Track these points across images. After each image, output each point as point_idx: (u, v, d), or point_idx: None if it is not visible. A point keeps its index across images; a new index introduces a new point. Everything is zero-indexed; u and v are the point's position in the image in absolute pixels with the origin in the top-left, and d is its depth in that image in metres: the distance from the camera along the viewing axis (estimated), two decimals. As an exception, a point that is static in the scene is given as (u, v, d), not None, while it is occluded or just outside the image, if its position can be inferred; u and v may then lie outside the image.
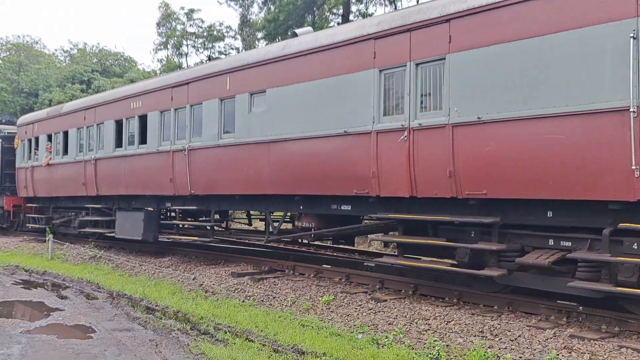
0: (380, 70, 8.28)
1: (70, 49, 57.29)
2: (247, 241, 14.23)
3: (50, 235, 14.78)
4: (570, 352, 5.74)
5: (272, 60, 10.00)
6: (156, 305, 8.48)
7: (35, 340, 6.75)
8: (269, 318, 7.58)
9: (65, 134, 16.33)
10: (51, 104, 41.93)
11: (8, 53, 53.67)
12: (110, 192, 14.37)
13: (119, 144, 14.04)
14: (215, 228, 12.29)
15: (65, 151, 16.29)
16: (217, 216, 12.53)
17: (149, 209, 13.40)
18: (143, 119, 13.20)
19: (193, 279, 10.50)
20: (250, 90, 10.33)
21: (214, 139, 11.02)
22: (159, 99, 12.70)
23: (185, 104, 11.88)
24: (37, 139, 17.90)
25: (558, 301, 7.07)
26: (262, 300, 8.81)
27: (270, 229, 10.63)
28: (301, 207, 9.86)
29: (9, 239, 18.11)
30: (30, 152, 18.26)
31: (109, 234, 14.69)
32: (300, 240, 13.26)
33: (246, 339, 6.63)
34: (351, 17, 28.81)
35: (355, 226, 9.91)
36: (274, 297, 8.88)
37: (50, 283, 11.07)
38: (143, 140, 13.23)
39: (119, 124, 14.11)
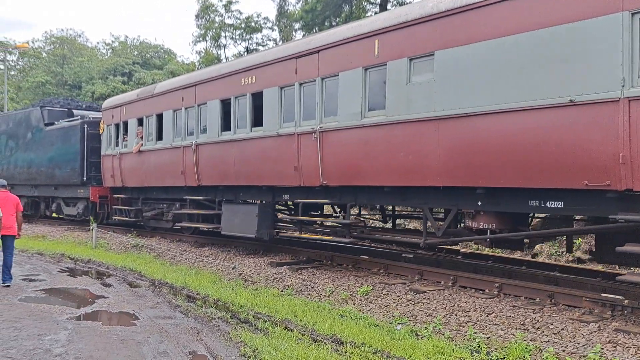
0: (634, 13, 6.10)
1: (112, 41, 58.50)
2: (392, 244, 12.49)
3: (95, 224, 15.15)
4: (615, 347, 5.61)
5: (446, 12, 7.84)
6: (197, 294, 8.63)
7: (81, 326, 6.95)
8: (308, 308, 7.63)
9: (159, 117, 14.67)
10: (93, 96, 42.90)
11: (52, 46, 55.08)
12: (214, 182, 12.61)
13: (226, 126, 12.25)
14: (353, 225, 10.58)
15: (160, 136, 14.63)
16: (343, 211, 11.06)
17: (259, 201, 11.94)
18: (257, 97, 11.30)
19: (233, 269, 10.64)
20: (409, 55, 8.39)
21: (356, 118, 9.15)
22: (279, 73, 10.76)
23: (314, 76, 9.96)
24: (125, 124, 16.32)
25: (602, 294, 6.91)
26: (301, 290, 8.86)
27: (431, 229, 8.82)
28: (479, 204, 7.88)
29: (55, 227, 18.64)
30: (117, 138, 16.72)
31: (210, 229, 13.32)
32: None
33: (285, 328, 6.69)
34: (389, 6, 28.54)
35: (577, 229, 8.33)
36: (313, 287, 8.93)
37: (95, 271, 11.37)
38: (257, 122, 11.37)
39: (225, 104, 12.33)
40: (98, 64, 49.94)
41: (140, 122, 15.56)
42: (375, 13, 30.27)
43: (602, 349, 5.54)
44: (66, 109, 21.00)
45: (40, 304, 8.14)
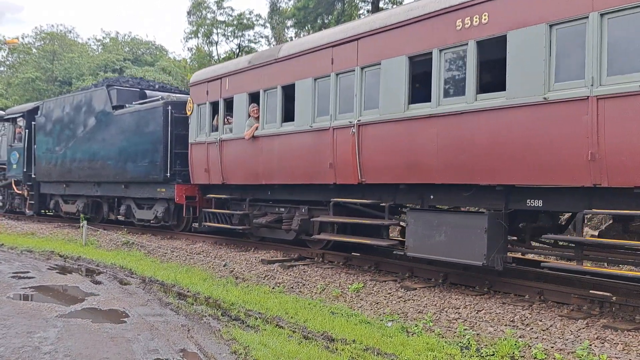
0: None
1: (103, 37, 58.23)
2: None
3: (84, 222, 15.07)
4: (603, 343, 5.66)
5: None
6: (188, 291, 8.62)
7: (71, 324, 6.92)
8: (299, 305, 7.63)
9: (287, 89, 10.72)
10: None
11: (42, 42, 54.70)
12: (393, 178, 8.78)
13: (419, 97, 8.53)
14: None
15: (287, 116, 10.78)
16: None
17: (483, 210, 8.05)
18: (500, 42, 7.39)
19: (224, 266, 10.63)
20: None
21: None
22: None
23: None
24: (228, 101, 12.34)
25: (591, 291, 6.97)
26: (292, 287, 8.87)
27: None
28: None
29: (44, 225, 18.54)
30: (213, 120, 12.89)
31: (379, 246, 10.39)
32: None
33: (276, 325, 6.70)
34: (381, 4, 28.55)
35: None
36: (304, 284, 8.94)
37: (85, 268, 11.32)
38: (487, 87, 7.83)
39: (418, 63, 8.55)
40: (89, 60, 49.68)
41: (253, 97, 11.63)
42: (368, 11, 30.29)
43: (590, 345, 5.59)
44: (137, 89, 16.85)
45: (30, 302, 8.10)
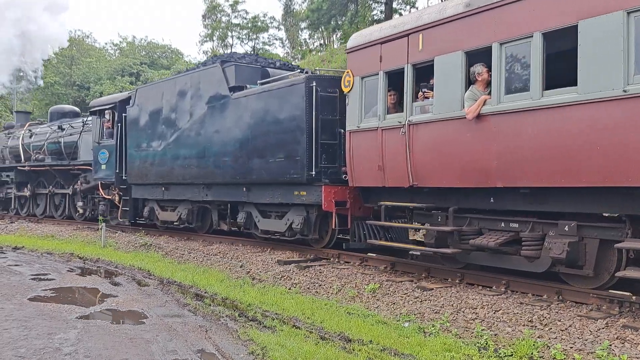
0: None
1: (120, 42, 58.79)
2: None
3: (103, 224, 15.24)
4: (623, 343, 5.60)
5: None
6: (205, 292, 8.68)
7: (91, 325, 7.00)
8: (315, 305, 7.65)
9: (554, 36, 7.12)
10: (102, 96, 43.06)
11: (61, 47, 55.28)
12: None
13: None
14: None
15: (544, 83, 7.10)
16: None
17: None
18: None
19: (240, 267, 10.68)
20: None
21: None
22: None
23: None
24: (422, 67, 8.77)
25: (610, 291, 6.89)
26: (308, 288, 8.89)
27: None
28: None
29: (63, 227, 18.76)
30: (384, 97, 9.21)
31: None
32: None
33: (293, 325, 6.72)
34: (394, 4, 28.50)
35: None
36: (320, 285, 8.96)
37: (104, 270, 11.44)
38: None
39: None
40: (106, 65, 50.20)
41: (474, 57, 8.04)
42: (381, 12, 30.25)
43: (610, 345, 5.53)
44: (258, 66, 13.35)
45: (50, 303, 8.21)
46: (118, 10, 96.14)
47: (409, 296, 7.91)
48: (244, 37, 43.80)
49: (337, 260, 10.63)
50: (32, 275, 10.64)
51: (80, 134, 19.11)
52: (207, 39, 45.26)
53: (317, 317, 6.99)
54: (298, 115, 10.71)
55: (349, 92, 9.95)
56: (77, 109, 23.85)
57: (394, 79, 9.23)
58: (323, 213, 10.73)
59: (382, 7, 29.26)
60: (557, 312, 6.64)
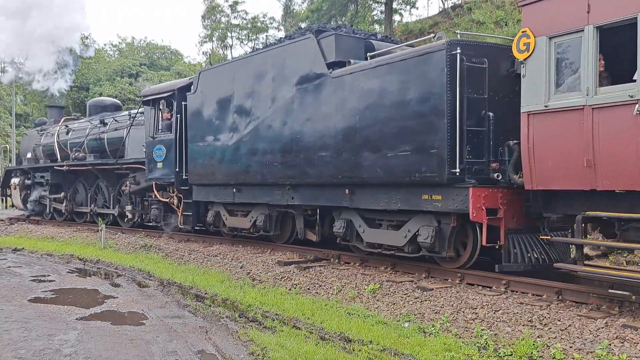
0: None
1: (119, 43, 58.74)
2: None
3: (103, 226, 15.23)
4: (623, 342, 5.60)
5: None
6: (205, 293, 8.68)
7: (91, 326, 7.01)
8: (316, 306, 7.66)
9: None
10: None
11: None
12: None
13: None
14: None
15: None
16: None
17: None
18: None
19: (240, 268, 10.69)
20: None
21: None
22: None
23: None
24: None
25: (610, 290, 6.90)
26: (309, 289, 8.89)
27: None
28: None
29: (63, 229, 18.77)
30: (594, 64, 6.74)
31: None
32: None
33: (293, 326, 6.73)
34: (394, 4, 28.54)
35: None
36: (320, 286, 8.96)
37: (104, 271, 11.45)
38: None
39: None
40: (105, 66, 50.17)
41: None
42: (381, 12, 30.29)
43: (610, 345, 5.54)
44: (361, 38, 10.74)
45: (50, 305, 8.22)
46: (117, 11, 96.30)
47: (409, 296, 7.92)
48: (243, 37, 43.84)
49: (337, 260, 10.64)
50: (32, 276, 10.64)
51: (128, 128, 16.63)
52: (207, 39, 45.31)
53: (317, 318, 7.00)
54: (435, 94, 8.17)
55: (526, 58, 7.44)
56: (118, 101, 21.70)
57: (610, 35, 6.92)
58: (460, 223, 8.41)
59: (382, 7, 29.29)
60: (556, 312, 6.65)
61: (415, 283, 8.52)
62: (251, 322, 7.10)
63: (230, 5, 42.76)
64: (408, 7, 32.83)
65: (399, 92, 8.69)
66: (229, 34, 43.40)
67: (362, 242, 9.88)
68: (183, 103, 13.58)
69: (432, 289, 8.06)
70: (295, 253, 11.52)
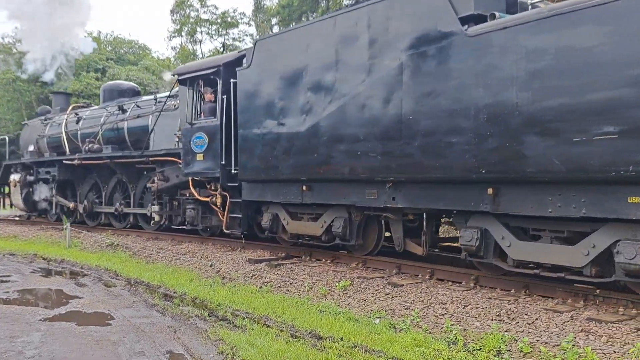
0: None
1: (85, 37, 57.54)
2: None
3: (68, 224, 14.91)
4: (587, 335, 5.70)
5: None
6: (174, 292, 8.57)
7: (55, 327, 6.85)
8: (286, 304, 7.62)
9: None
10: (66, 93, 42.10)
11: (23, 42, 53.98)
12: None
13: None
14: None
15: None
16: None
17: None
18: None
19: (210, 266, 10.58)
20: None
21: None
22: None
23: None
24: None
25: (575, 284, 7.02)
26: (279, 286, 8.85)
27: None
28: None
29: (27, 227, 18.33)
30: None
31: None
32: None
33: (264, 324, 6.68)
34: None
35: None
36: (291, 283, 8.92)
37: (69, 271, 11.21)
38: None
39: None
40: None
41: None
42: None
43: (575, 337, 5.63)
44: None
45: (12, 306, 8.00)
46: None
47: (380, 293, 7.94)
48: (213, 32, 43.41)
49: (308, 258, 10.61)
50: (-6, 277, 10.36)
51: (156, 115, 14.06)
52: (176, 34, 44.75)
53: (288, 316, 6.96)
54: None
55: None
56: (136, 85, 18.93)
57: None
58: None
59: (352, 1, 29.36)
60: (524, 306, 6.74)
61: (386, 279, 8.55)
62: (221, 321, 7.03)
63: (199, 0, 42.32)
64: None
65: (598, 50, 6.11)
66: (198, 29, 42.93)
67: (503, 259, 7.51)
68: (232, 81, 11.04)
69: (403, 285, 8.10)
70: (266, 250, 11.45)
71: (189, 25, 42.18)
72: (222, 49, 40.32)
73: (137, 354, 5.81)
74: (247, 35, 41.39)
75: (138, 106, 15.33)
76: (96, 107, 17.90)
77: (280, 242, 11.45)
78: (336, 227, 9.52)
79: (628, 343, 5.45)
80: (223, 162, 11.24)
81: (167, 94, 14.11)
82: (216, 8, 42.91)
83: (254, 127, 10.55)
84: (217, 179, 11.51)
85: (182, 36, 43.93)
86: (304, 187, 9.76)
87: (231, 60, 11.59)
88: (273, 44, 10.49)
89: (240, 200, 11.29)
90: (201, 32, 42.88)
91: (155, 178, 13.64)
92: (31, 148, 19.25)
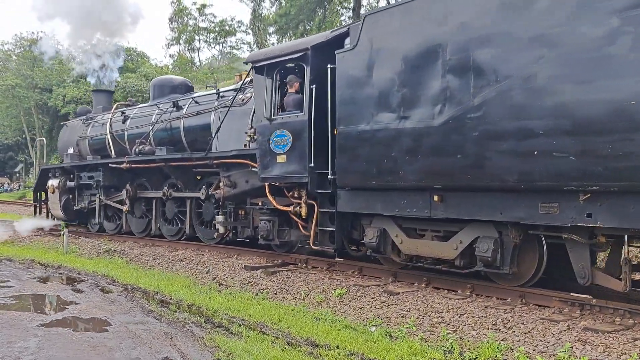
0: None
1: (84, 44, 57.66)
2: None
3: (65, 230, 14.88)
4: (584, 345, 5.72)
5: None
6: (170, 299, 8.57)
7: (52, 333, 6.84)
8: (282, 311, 7.62)
9: None
10: (65, 100, 42.13)
11: (22, 49, 54.10)
12: None
13: None
14: None
15: None
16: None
17: None
18: None
19: (207, 273, 10.58)
20: None
21: None
22: None
23: None
24: None
25: (571, 294, 7.04)
26: (275, 294, 8.85)
27: None
28: None
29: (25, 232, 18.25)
30: None
31: None
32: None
33: (260, 331, 6.68)
34: (362, 11, 28.72)
35: None
36: (287, 290, 8.93)
37: (66, 277, 11.20)
38: None
39: None
40: (70, 67, 49.20)
41: None
42: (349, 17, 30.49)
43: (572, 347, 5.65)
44: None
45: (9, 311, 7.99)
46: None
47: (376, 300, 7.95)
48: (211, 40, 43.60)
49: (304, 265, 10.61)
50: (-10, 282, 10.35)
51: (219, 112, 12.24)
52: (174, 42, 44.94)
53: (284, 323, 6.97)
54: None
55: None
56: (189, 81, 16.67)
57: None
58: None
59: (350, 13, 29.51)
60: (520, 315, 6.75)
61: (382, 287, 8.56)
62: (217, 328, 7.03)
63: (198, 9, 42.50)
64: (376, 13, 33.03)
65: None
66: (196, 37, 43.09)
67: None
68: (329, 67, 9.04)
69: (399, 293, 8.11)
70: (262, 257, 11.45)
71: (187, 33, 42.33)
72: (219, 56, 40.45)
73: (134, 360, 5.82)
74: (244, 43, 41.60)
75: (196, 102, 13.46)
76: (144, 104, 16.15)
77: (383, 263, 9.42)
78: (482, 249, 7.35)
79: (625, 353, 5.47)
80: (312, 165, 9.24)
81: (232, 87, 12.64)
82: (214, 16, 43.15)
83: (360, 121, 8.47)
84: (304, 184, 9.56)
85: (180, 44, 44.11)
86: (436, 197, 7.69)
87: (323, 42, 9.51)
88: (390, 18, 8.31)
89: (334, 210, 9.23)
90: (199, 40, 43.05)
91: (221, 184, 11.66)
92: (71, 151, 17.43)
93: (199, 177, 13.41)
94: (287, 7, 29.97)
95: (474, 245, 7.52)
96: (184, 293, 8.82)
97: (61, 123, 21.35)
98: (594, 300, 6.78)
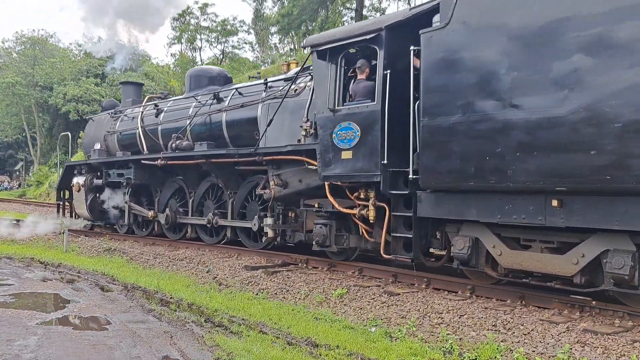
0: None
1: (85, 42, 57.73)
2: None
3: (66, 229, 14.88)
4: (583, 347, 5.73)
5: None
6: (170, 298, 8.57)
7: (52, 331, 6.85)
8: (283, 311, 7.63)
9: None
10: (65, 98, 42.16)
11: (23, 47, 54.15)
12: None
13: None
14: None
15: None
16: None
17: None
18: None
19: (207, 272, 10.58)
20: None
21: None
22: None
23: None
24: None
25: (571, 295, 7.05)
26: (276, 293, 8.86)
27: None
28: None
29: (25, 230, 18.25)
30: None
31: None
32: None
33: (260, 331, 6.69)
34: (365, 12, 28.78)
35: None
36: (287, 290, 8.93)
37: (66, 275, 11.19)
38: None
39: None
40: (70, 65, 49.26)
41: None
42: (351, 18, 30.52)
43: (571, 349, 5.66)
44: None
45: (9, 309, 7.99)
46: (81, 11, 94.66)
47: (376, 301, 7.95)
48: (212, 40, 43.62)
49: (305, 265, 10.62)
50: (-10, 280, 10.35)
51: (269, 104, 11.07)
52: (176, 41, 44.95)
53: (284, 323, 6.97)
54: None
55: None
56: (226, 71, 15.32)
57: None
58: None
59: (353, 14, 29.54)
60: (520, 317, 6.76)
61: (382, 288, 8.57)
62: (217, 327, 7.03)
63: (199, 8, 42.51)
64: (377, 13, 33.10)
65: None
66: (198, 36, 43.12)
67: None
68: (412, 48, 7.76)
69: (399, 294, 8.11)
70: (263, 257, 11.45)
71: (189, 32, 42.34)
72: (221, 56, 40.48)
73: (134, 358, 5.82)
74: (246, 43, 41.63)
75: (240, 93, 12.21)
76: (179, 97, 14.99)
77: (469, 277, 8.20)
78: (615, 265, 6.13)
79: (624, 355, 5.48)
80: (385, 162, 8.13)
81: (281, 76, 11.72)
82: (216, 16, 43.14)
83: (453, 112, 7.17)
84: (374, 184, 8.54)
85: (181, 43, 44.12)
86: (554, 202, 6.44)
87: (400, 21, 8.35)
88: None
89: (411, 214, 8.07)
90: (201, 40, 43.06)
91: (271, 183, 10.49)
92: (97, 146, 16.24)
93: (239, 175, 12.27)
94: (289, 7, 30.01)
95: (604, 261, 6.30)
96: (184, 292, 8.82)
97: (87, 117, 20.20)
98: (594, 302, 6.79)
